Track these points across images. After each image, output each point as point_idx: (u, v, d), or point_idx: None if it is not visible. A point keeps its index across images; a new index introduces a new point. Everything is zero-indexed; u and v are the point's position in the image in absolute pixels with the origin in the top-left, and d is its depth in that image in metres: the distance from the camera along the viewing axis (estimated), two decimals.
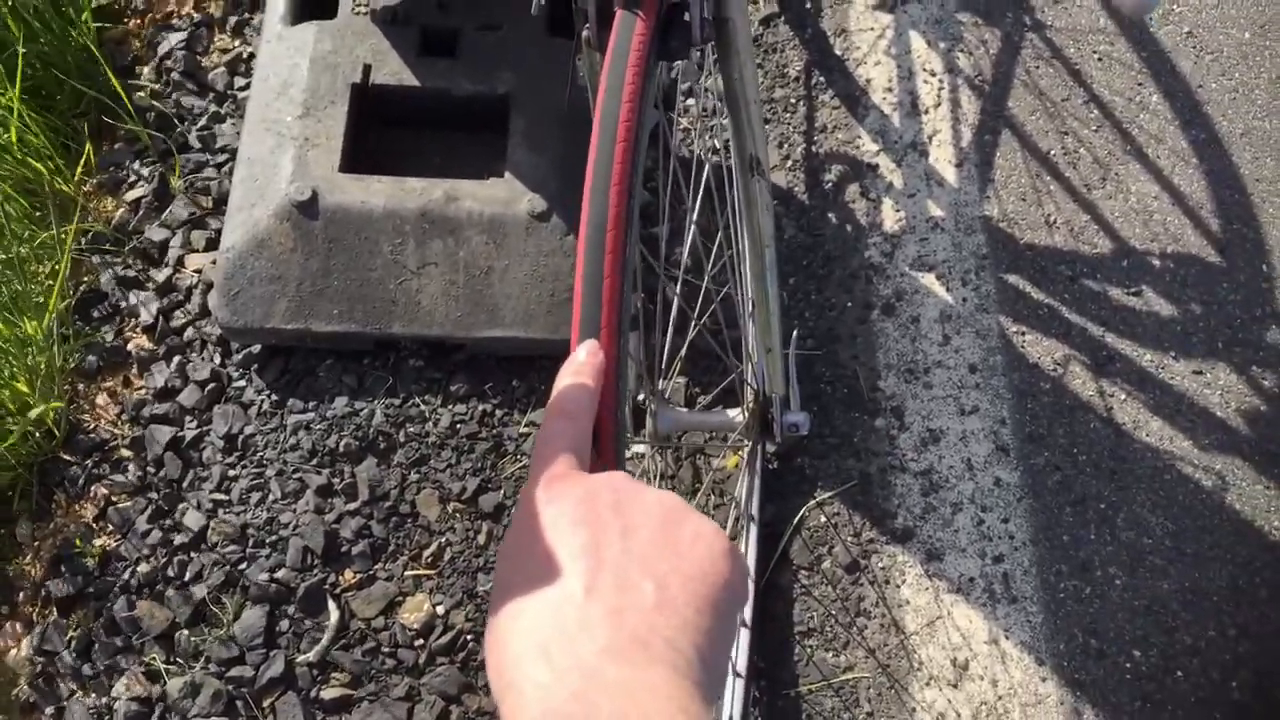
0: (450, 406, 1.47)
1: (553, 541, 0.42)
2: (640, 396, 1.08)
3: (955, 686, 1.32)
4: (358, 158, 1.55)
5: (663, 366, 1.06)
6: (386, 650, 1.33)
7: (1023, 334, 1.55)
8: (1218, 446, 1.46)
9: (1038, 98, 1.74)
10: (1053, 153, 1.70)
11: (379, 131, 1.61)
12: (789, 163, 1.69)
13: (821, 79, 1.76)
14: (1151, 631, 1.35)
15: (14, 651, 1.40)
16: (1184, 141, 1.71)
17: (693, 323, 1.12)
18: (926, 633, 1.35)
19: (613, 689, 0.35)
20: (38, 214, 1.64)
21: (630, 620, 0.38)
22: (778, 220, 1.63)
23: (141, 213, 1.64)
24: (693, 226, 1.29)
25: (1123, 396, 1.50)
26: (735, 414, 1.09)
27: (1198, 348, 1.53)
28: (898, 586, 1.38)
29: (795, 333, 1.33)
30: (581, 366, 0.53)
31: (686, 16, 0.73)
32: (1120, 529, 1.41)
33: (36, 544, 1.44)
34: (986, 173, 1.68)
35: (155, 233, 1.62)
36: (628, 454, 1.44)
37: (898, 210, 1.65)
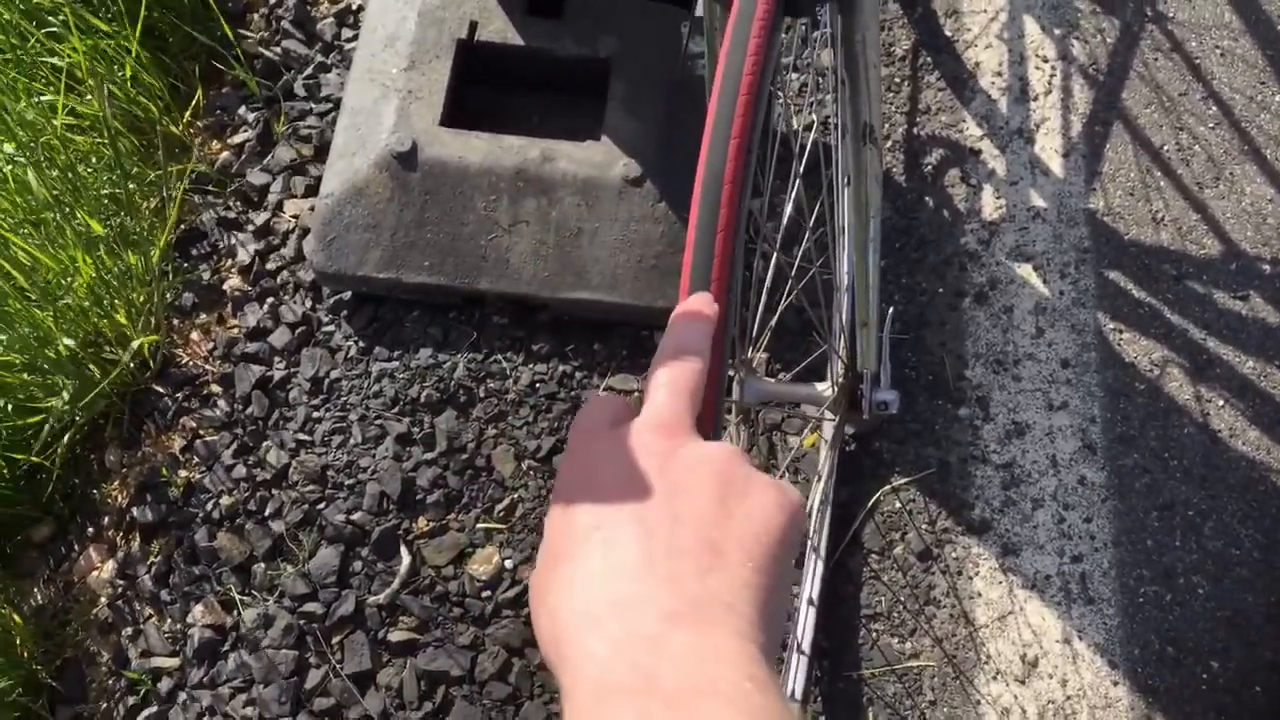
0: (531, 365, 1.49)
1: (604, 502, 0.41)
2: (729, 364, 1.07)
3: (1023, 683, 1.30)
4: (458, 113, 1.57)
5: (753, 336, 1.06)
6: (454, 598, 1.36)
7: (1120, 332, 1.51)
8: None
9: (1154, 91, 1.69)
10: (1165, 148, 1.65)
11: (480, 88, 1.63)
12: (889, 143, 1.66)
13: (928, 60, 1.73)
14: (1233, 643, 1.32)
15: (96, 573, 1.46)
16: None
17: (784, 295, 1.12)
18: (997, 626, 1.33)
19: (676, 657, 0.35)
20: (146, 152, 1.69)
21: (687, 586, 0.37)
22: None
23: (245, 156, 1.69)
24: (791, 201, 1.29)
25: (1220, 403, 1.46)
26: (824, 388, 1.08)
27: None
28: (970, 578, 1.36)
29: (891, 310, 1.31)
30: (697, 303, 0.52)
31: None
32: (1208, 538, 1.37)
33: (124, 471, 1.50)
34: (1094, 164, 1.64)
35: (257, 177, 1.66)
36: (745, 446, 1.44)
37: (998, 198, 1.62)
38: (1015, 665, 1.31)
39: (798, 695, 1.20)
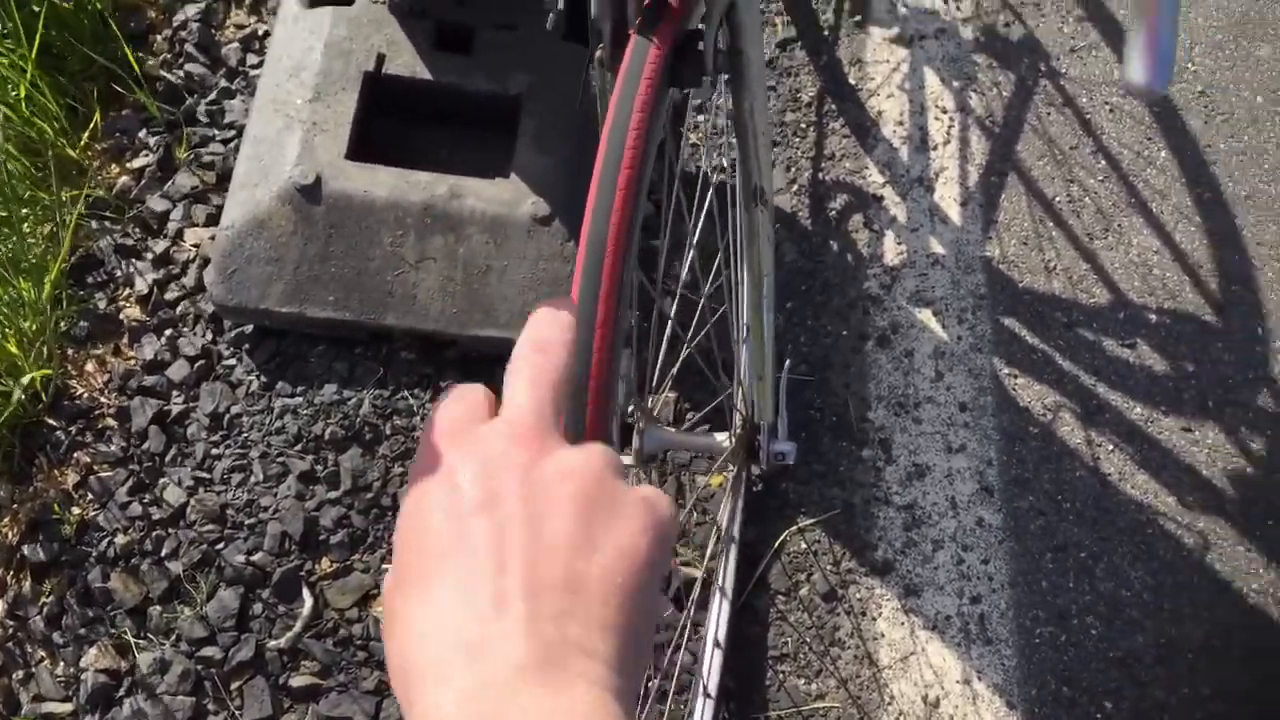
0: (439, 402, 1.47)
1: (458, 522, 0.37)
2: (629, 413, 1.08)
3: None
4: (364, 146, 1.55)
5: (653, 383, 1.07)
6: (359, 642, 1.33)
7: (1015, 377, 1.56)
8: (1201, 505, 1.48)
9: (1047, 144, 1.76)
10: (1057, 199, 1.72)
11: (388, 122, 1.61)
12: (795, 187, 1.70)
13: (833, 107, 1.78)
14: (1125, 684, 1.36)
15: None
16: (1189, 199, 1.73)
17: (686, 341, 1.13)
18: (900, 667, 1.36)
19: (528, 715, 0.32)
20: (40, 175, 1.63)
21: (543, 630, 0.34)
22: (780, 245, 1.64)
23: (144, 182, 1.64)
24: (693, 244, 1.30)
25: (1110, 447, 1.52)
26: (722, 438, 1.09)
27: (1188, 405, 1.55)
28: (874, 619, 1.38)
29: (788, 361, 1.34)
30: (553, 304, 0.47)
31: (700, 46, 0.73)
32: (1100, 579, 1.42)
33: (15, 507, 1.43)
34: (990, 214, 1.70)
35: (157, 203, 1.61)
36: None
37: (899, 244, 1.66)
38: (918, 706, 1.34)
39: None
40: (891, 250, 1.66)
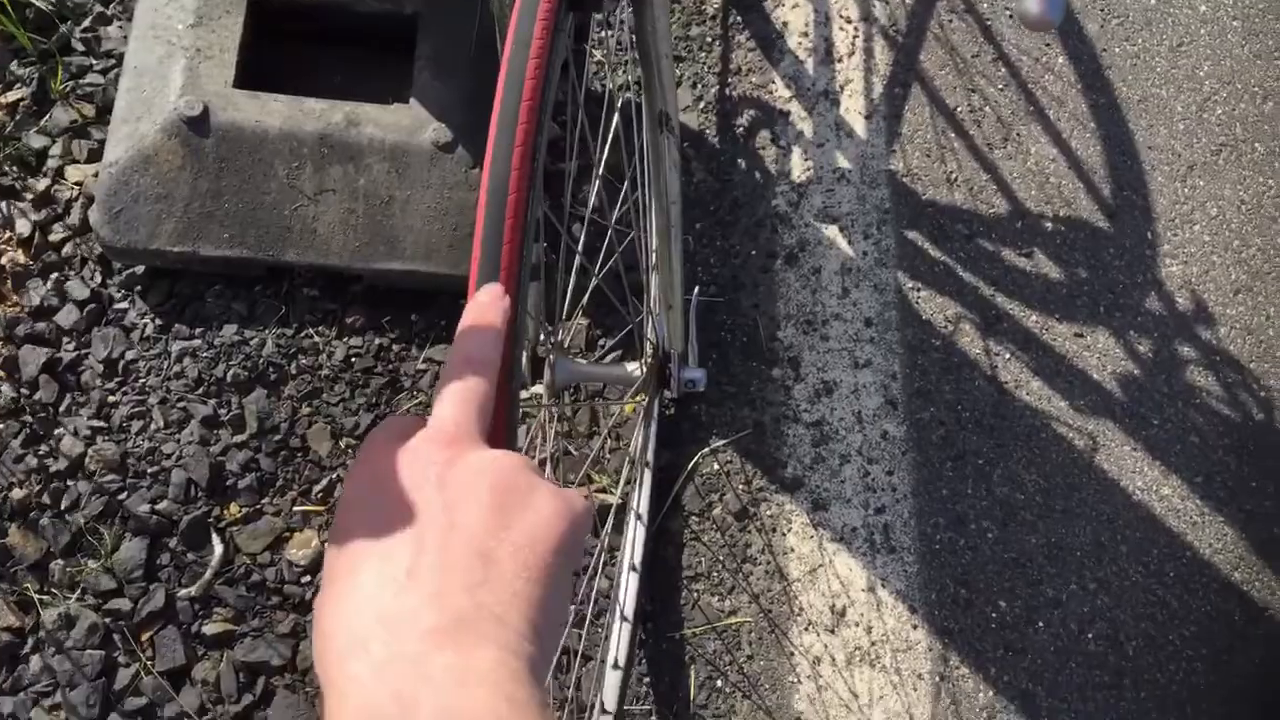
0: (345, 339, 1.46)
1: (381, 518, 0.40)
2: (539, 344, 1.08)
3: (832, 632, 1.39)
4: (253, 73, 1.49)
5: (563, 312, 1.07)
6: (272, 585, 1.33)
7: (918, 290, 1.60)
8: (1091, 408, 1.54)
9: (949, 53, 1.77)
10: (959, 110, 1.73)
11: (277, 46, 1.56)
12: (701, 104, 1.69)
13: (739, 19, 1.76)
14: (1018, 584, 1.44)
15: None
16: (1084, 105, 1.76)
17: (595, 271, 1.13)
18: (808, 580, 1.41)
19: (435, 681, 0.34)
20: None
21: (455, 601, 0.36)
22: (688, 164, 1.64)
23: (19, 117, 1.56)
24: (599, 170, 1.29)
25: (1008, 356, 1.57)
26: (633, 368, 1.11)
27: (1081, 311, 1.61)
28: (784, 534, 1.43)
29: (697, 288, 1.35)
30: (484, 309, 0.50)
31: None
32: (996, 484, 1.48)
33: None
34: (895, 126, 1.71)
35: (34, 139, 1.54)
36: (524, 395, 1.45)
37: (806, 159, 1.67)
38: (825, 616, 1.39)
39: (620, 662, 1.25)
40: (799, 166, 1.67)
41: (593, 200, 1.16)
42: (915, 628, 1.40)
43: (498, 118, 0.63)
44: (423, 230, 1.45)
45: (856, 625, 1.39)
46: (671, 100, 0.95)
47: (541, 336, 1.07)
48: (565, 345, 1.07)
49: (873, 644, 1.39)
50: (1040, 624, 1.42)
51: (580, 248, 1.01)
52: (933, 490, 1.48)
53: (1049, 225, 1.67)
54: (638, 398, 1.44)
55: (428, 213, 1.46)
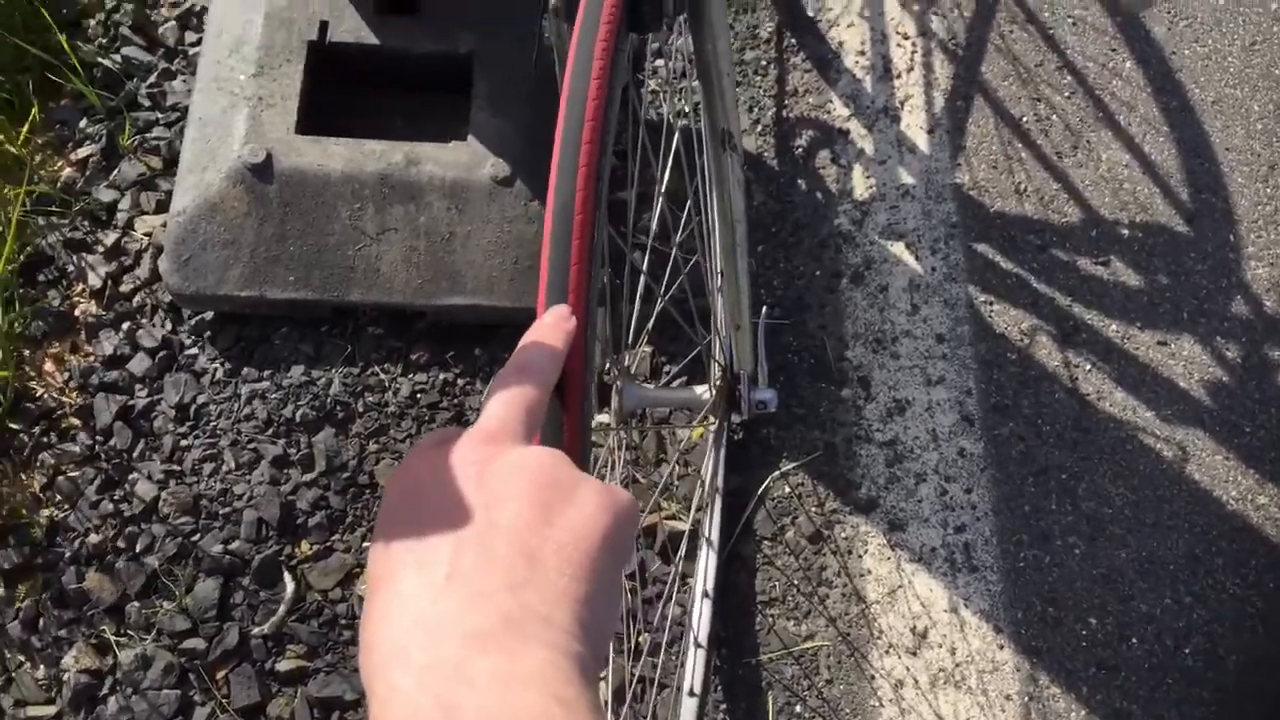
0: (410, 375, 1.49)
1: (420, 521, 0.39)
2: (605, 371, 1.09)
3: (914, 654, 1.36)
4: (314, 119, 1.54)
5: (628, 339, 1.08)
6: (344, 621, 1.35)
7: (990, 304, 1.58)
8: (1179, 417, 1.50)
9: (1011, 63, 1.76)
10: (1025, 119, 1.72)
11: (337, 91, 1.61)
12: (759, 127, 1.70)
13: (793, 41, 1.77)
14: (1108, 599, 1.39)
15: None
16: (1155, 109, 1.73)
17: (660, 293, 1.14)
18: (887, 601, 1.38)
19: (479, 685, 0.33)
20: None
21: (498, 602, 0.36)
22: (747, 187, 1.65)
23: (89, 173, 1.63)
24: (661, 191, 1.30)
25: (1088, 367, 1.54)
26: (702, 391, 1.11)
27: (1163, 318, 1.57)
28: (860, 556, 1.41)
29: (764, 308, 1.35)
30: (547, 329, 0.51)
31: None
32: (1081, 499, 1.45)
33: None
34: (958, 139, 1.70)
35: (103, 194, 1.61)
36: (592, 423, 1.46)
37: (868, 177, 1.67)
38: (906, 637, 1.37)
39: (696, 689, 1.23)
40: (861, 184, 1.66)
41: (654, 226, 1.17)
42: (1001, 648, 1.36)
43: (561, 140, 0.63)
44: (484, 265, 1.48)
45: (939, 646, 1.36)
46: (734, 119, 0.95)
47: (607, 364, 1.07)
48: (631, 372, 1.07)
49: (957, 665, 1.35)
50: (1133, 640, 1.37)
51: (645, 270, 1.01)
52: (1014, 507, 1.44)
53: (1125, 232, 1.64)
54: (707, 422, 1.44)
55: (488, 247, 1.48)
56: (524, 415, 0.44)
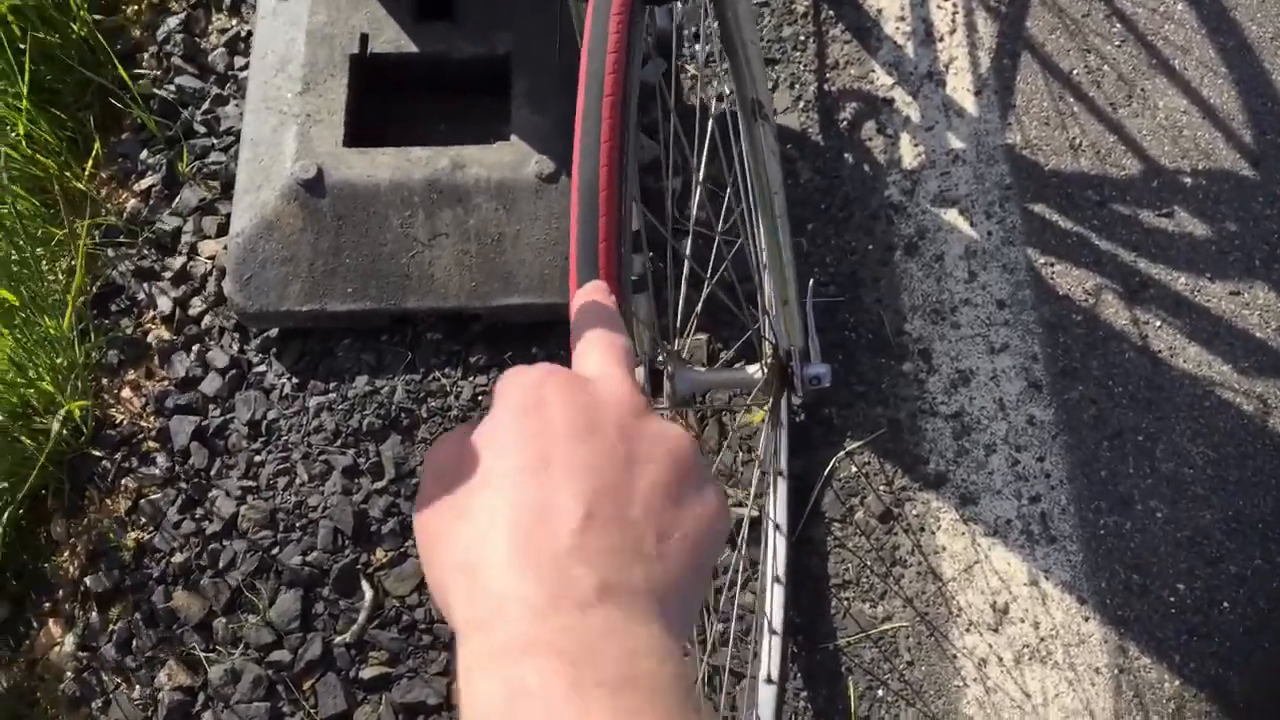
0: (471, 378, 1.46)
1: (555, 436, 0.36)
2: (658, 358, 1.05)
3: (996, 631, 1.30)
4: (361, 130, 1.52)
5: (678, 325, 1.03)
6: (423, 626, 1.33)
7: (1051, 265, 1.50)
8: (1258, 369, 1.41)
9: (1057, 16, 1.67)
10: (1075, 72, 1.63)
11: (381, 101, 1.58)
12: (801, 103, 1.63)
13: (831, 13, 1.70)
14: (1196, 564, 1.32)
15: (57, 649, 1.42)
16: (1212, 50, 1.63)
17: (706, 279, 1.09)
18: (964, 578, 1.32)
19: (611, 634, 0.31)
20: (50, 211, 1.63)
21: (627, 564, 0.34)
22: (793, 165, 1.59)
23: (152, 202, 1.63)
24: (699, 178, 1.25)
25: (1157, 324, 1.45)
26: (754, 370, 1.06)
27: (1234, 267, 1.48)
28: (933, 533, 1.35)
29: (812, 281, 1.29)
30: (590, 291, 0.49)
31: None
32: (1160, 460, 1.37)
33: (72, 540, 1.46)
34: (1007, 99, 1.62)
35: (167, 221, 1.60)
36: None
37: (916, 145, 1.59)
38: (986, 614, 1.30)
39: (774, 676, 1.19)
40: (909, 153, 1.59)
41: (694, 210, 1.12)
42: (1086, 619, 1.29)
43: (582, 117, 0.61)
44: (534, 263, 1.44)
45: (1022, 622, 1.30)
46: (763, 87, 0.91)
47: (659, 351, 1.03)
48: (684, 357, 1.03)
49: (1041, 640, 1.29)
50: (1225, 604, 1.29)
51: (688, 255, 0.97)
52: (1090, 473, 1.37)
53: (1188, 181, 1.55)
54: (765, 405, 1.39)
55: (538, 244, 1.45)
56: (634, 379, 0.41)
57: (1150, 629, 1.28)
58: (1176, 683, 1.26)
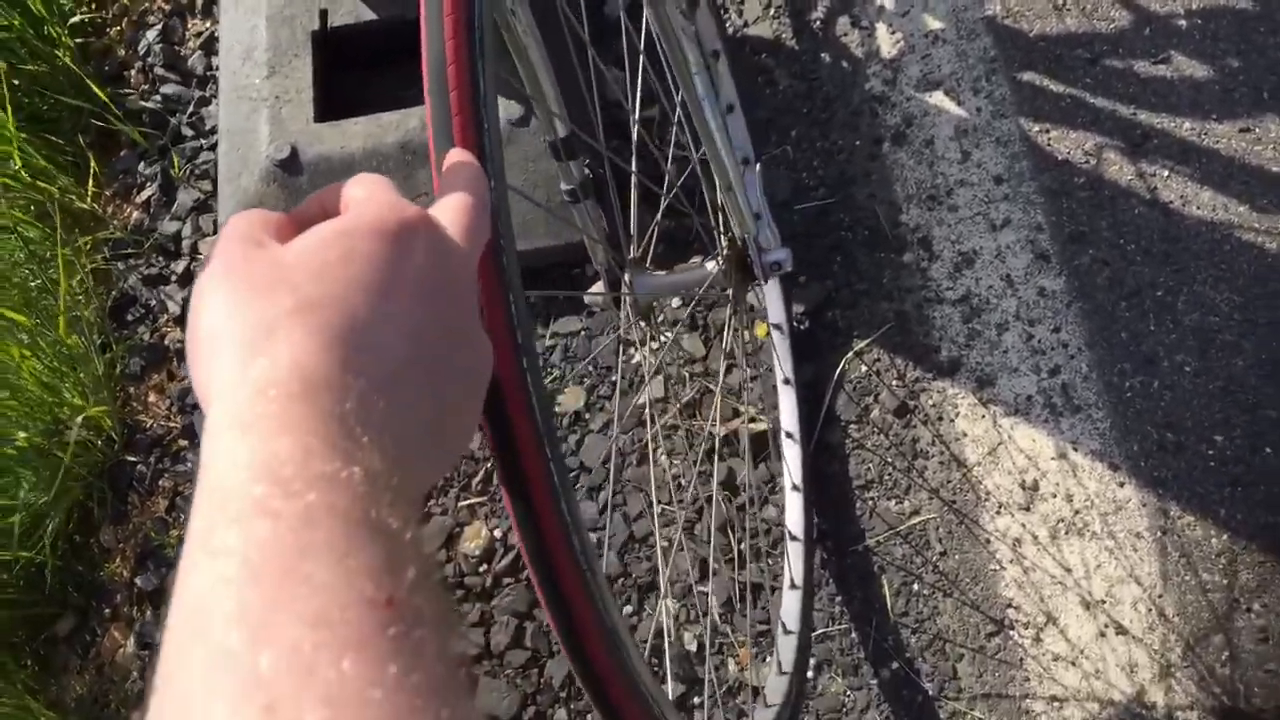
0: None
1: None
2: (611, 267, 1.00)
3: (1027, 509, 1.23)
4: (332, 104, 1.49)
5: (633, 233, 0.98)
6: (453, 580, 1.31)
7: (1047, 132, 1.41)
8: (1278, 205, 1.31)
9: None
10: None
11: (351, 73, 1.55)
12: (771, 10, 1.56)
13: None
14: (1232, 413, 1.23)
15: (121, 650, 1.43)
16: None
17: (663, 189, 1.03)
18: (989, 461, 1.25)
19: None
20: (56, 234, 1.64)
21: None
22: (770, 74, 1.51)
23: (153, 210, 1.63)
24: (633, 81, 1.19)
25: (1165, 174, 1.35)
26: (713, 265, 1.00)
27: (1241, 103, 1.37)
28: (952, 421, 1.28)
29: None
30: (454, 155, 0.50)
31: None
32: (1182, 313, 1.28)
33: (121, 546, 1.47)
34: None
35: (168, 226, 1.60)
36: (655, 346, 1.37)
37: (893, 33, 1.51)
38: (1016, 494, 1.23)
39: (797, 581, 1.14)
40: (886, 42, 1.51)
41: (635, 110, 1.04)
42: (1121, 485, 1.22)
43: None
44: (515, 209, 1.40)
45: (1054, 497, 1.23)
46: None
47: (612, 260, 0.98)
48: (643, 264, 0.98)
49: (1076, 512, 1.21)
50: (1267, 450, 1.20)
51: (608, 156, 0.91)
52: (1110, 337, 1.29)
53: (1182, 23, 1.44)
54: (766, 322, 1.33)
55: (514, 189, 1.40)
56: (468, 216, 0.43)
57: (1190, 486, 1.20)
58: (1225, 537, 1.18)
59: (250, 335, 0.33)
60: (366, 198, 0.39)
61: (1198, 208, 1.33)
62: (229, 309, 0.34)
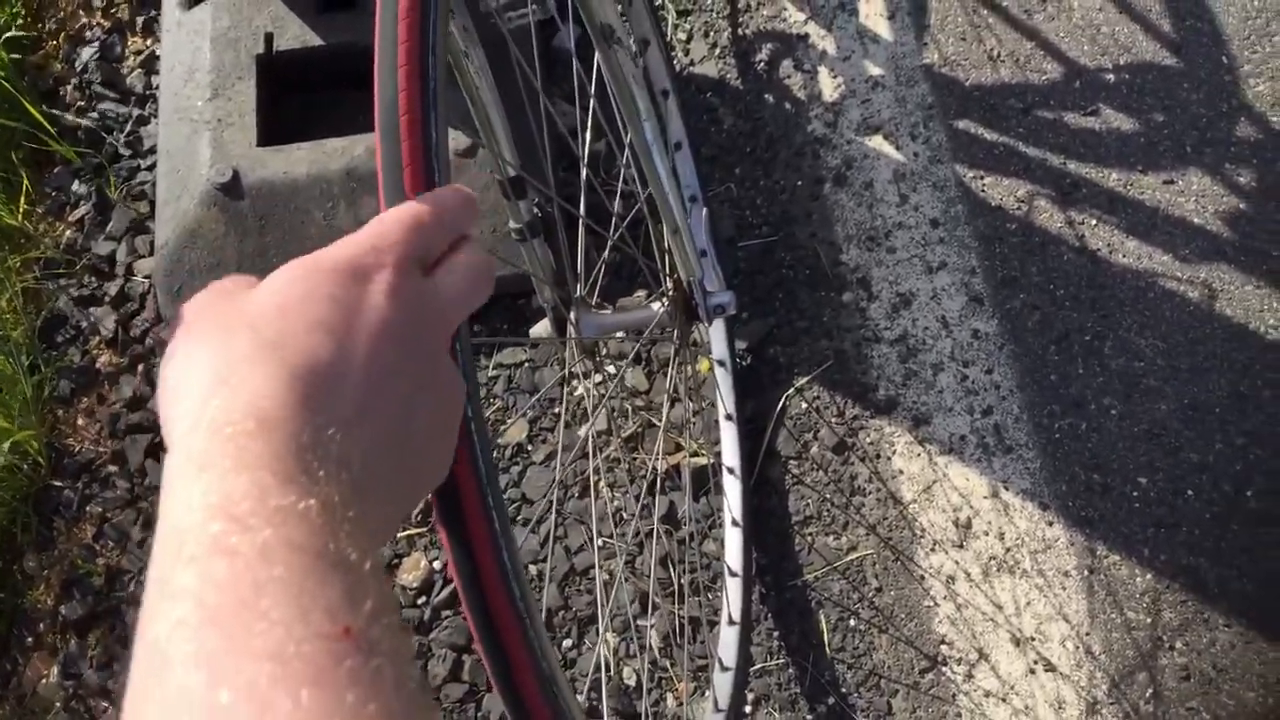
0: None
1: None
2: (563, 308, 0.97)
3: (961, 547, 1.22)
4: (276, 129, 1.44)
5: (580, 273, 0.95)
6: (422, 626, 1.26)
7: (981, 178, 1.42)
8: (1200, 254, 1.33)
9: None
10: None
11: (294, 98, 1.50)
12: (717, 50, 1.55)
13: None
14: (1155, 455, 1.24)
15: (44, 680, 1.36)
16: None
17: (613, 226, 1.01)
18: (924, 499, 1.25)
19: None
20: None
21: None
22: (714, 112, 1.50)
23: (87, 229, 1.56)
24: (587, 126, 1.18)
25: (1093, 222, 1.37)
26: (659, 306, 0.98)
27: (1166, 156, 1.39)
28: (889, 458, 1.28)
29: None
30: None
31: None
32: (1109, 357, 1.29)
33: (45, 573, 1.39)
34: (921, 19, 1.53)
35: (101, 246, 1.53)
36: (597, 378, 1.34)
37: (835, 77, 1.51)
38: (950, 531, 1.23)
39: (735, 617, 1.12)
40: (828, 85, 1.51)
41: (584, 150, 1.03)
42: (1050, 524, 1.22)
43: (379, 39, 0.55)
44: None
45: (986, 535, 1.22)
46: (611, 11, 0.83)
47: (558, 297, 0.96)
48: (589, 302, 0.95)
49: (1007, 550, 1.21)
50: (1189, 493, 1.22)
51: (557, 200, 0.88)
52: (1040, 379, 1.29)
53: (1110, 77, 1.46)
54: (708, 358, 1.32)
55: None
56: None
57: (1116, 526, 1.21)
58: (1149, 576, 1.18)
59: (209, 378, 0.33)
60: (343, 239, 0.39)
61: (1124, 256, 1.34)
62: (191, 356, 0.34)
